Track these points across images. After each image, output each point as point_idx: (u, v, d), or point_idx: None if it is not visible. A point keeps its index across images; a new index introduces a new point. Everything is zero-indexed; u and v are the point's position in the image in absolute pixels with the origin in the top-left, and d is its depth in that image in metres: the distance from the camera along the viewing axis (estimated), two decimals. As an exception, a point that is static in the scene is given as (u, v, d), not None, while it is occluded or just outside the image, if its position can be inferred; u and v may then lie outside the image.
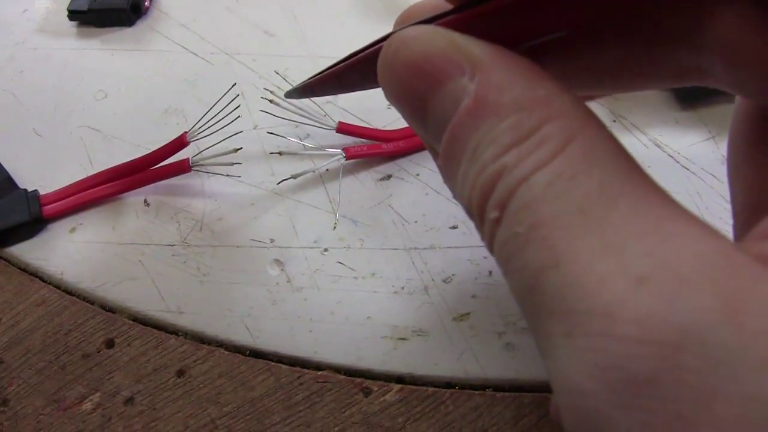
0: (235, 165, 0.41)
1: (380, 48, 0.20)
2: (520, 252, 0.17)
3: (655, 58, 0.21)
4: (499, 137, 0.17)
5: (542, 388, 0.36)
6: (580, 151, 0.17)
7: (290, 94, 0.29)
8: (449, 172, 0.19)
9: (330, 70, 0.24)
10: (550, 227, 0.16)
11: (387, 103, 0.45)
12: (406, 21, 0.22)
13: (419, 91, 0.19)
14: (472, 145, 0.18)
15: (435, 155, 0.21)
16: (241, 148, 0.40)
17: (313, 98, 0.43)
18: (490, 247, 0.18)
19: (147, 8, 0.54)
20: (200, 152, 0.42)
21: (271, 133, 0.43)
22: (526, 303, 0.17)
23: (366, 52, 0.22)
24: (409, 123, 0.21)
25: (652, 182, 0.17)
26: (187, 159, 0.42)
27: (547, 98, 0.17)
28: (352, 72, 0.23)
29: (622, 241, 0.15)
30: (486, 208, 0.18)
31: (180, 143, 0.42)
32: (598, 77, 0.22)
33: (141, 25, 0.54)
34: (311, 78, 0.26)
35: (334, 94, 0.27)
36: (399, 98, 0.20)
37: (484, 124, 0.18)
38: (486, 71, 0.18)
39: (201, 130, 0.41)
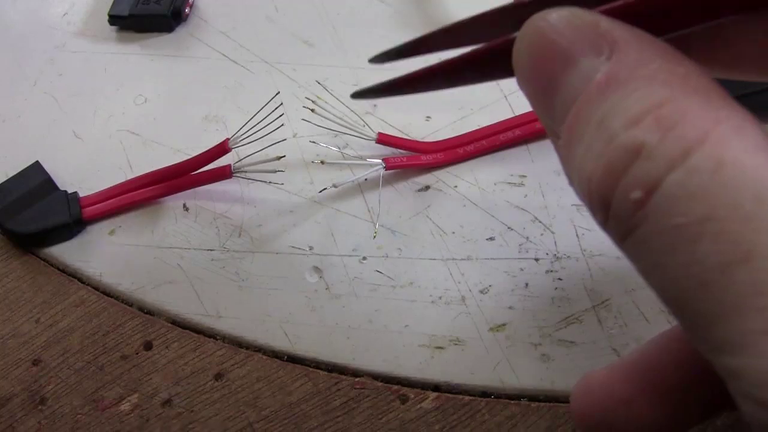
0: (277, 172, 0.41)
1: (510, 39, 0.20)
2: (689, 245, 0.16)
3: None
4: (630, 106, 0.16)
5: (578, 401, 0.36)
6: (733, 133, 0.16)
7: (364, 94, 0.29)
8: (570, 151, 0.18)
9: (440, 64, 0.24)
10: (729, 220, 0.15)
11: (425, 115, 0.46)
12: None
13: (553, 68, 0.19)
14: (599, 117, 0.17)
15: (556, 139, 0.20)
16: (285, 156, 0.41)
17: (353, 110, 0.43)
18: (625, 233, 0.17)
19: (187, 15, 0.54)
20: (241, 159, 0.42)
21: (313, 142, 0.43)
22: (697, 298, 0.16)
23: (495, 42, 0.21)
24: (535, 105, 0.20)
25: None
26: (229, 165, 0.42)
27: (685, 75, 0.17)
28: (474, 63, 0.23)
29: None
30: (619, 186, 0.17)
31: (222, 149, 0.42)
32: (748, 65, 0.21)
33: (181, 32, 0.54)
34: (404, 75, 0.26)
35: (424, 92, 0.26)
36: (531, 76, 0.20)
37: (614, 96, 0.17)
38: (626, 51, 0.17)
39: (243, 137, 0.41)
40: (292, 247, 0.42)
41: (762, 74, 0.22)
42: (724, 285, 0.15)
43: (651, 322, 0.37)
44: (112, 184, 0.45)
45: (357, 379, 0.38)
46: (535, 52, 0.19)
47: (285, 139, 0.42)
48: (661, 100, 0.16)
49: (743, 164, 0.15)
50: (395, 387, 0.37)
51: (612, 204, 0.17)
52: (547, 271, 0.40)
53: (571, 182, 0.19)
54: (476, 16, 0.24)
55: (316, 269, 0.41)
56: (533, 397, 0.37)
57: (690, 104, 0.16)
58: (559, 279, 0.39)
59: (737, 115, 0.16)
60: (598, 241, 0.40)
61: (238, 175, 0.42)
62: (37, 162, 0.46)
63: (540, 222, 0.41)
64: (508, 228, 0.41)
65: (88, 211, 0.44)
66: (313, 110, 0.42)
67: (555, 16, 0.19)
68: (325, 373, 0.38)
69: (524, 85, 0.20)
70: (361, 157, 0.44)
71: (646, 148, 0.16)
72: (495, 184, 0.43)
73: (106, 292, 0.42)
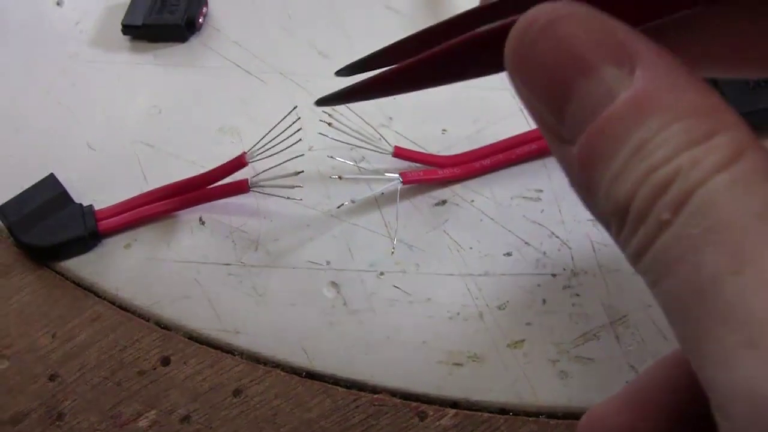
0: (295, 188, 0.41)
1: (499, 28, 0.19)
2: (693, 254, 0.16)
3: None
4: (673, 138, 0.17)
5: (597, 418, 0.36)
6: (754, 162, 0.16)
7: (326, 101, 0.27)
8: (593, 167, 0.18)
9: (407, 63, 0.22)
10: (732, 231, 0.15)
11: (441, 127, 0.46)
12: None
13: (566, 74, 0.18)
14: (636, 142, 0.17)
15: (559, 147, 0.19)
16: (303, 171, 0.41)
17: (368, 122, 0.43)
18: (642, 251, 0.17)
19: (201, 25, 0.54)
20: (258, 174, 0.42)
21: (330, 156, 0.43)
22: (692, 308, 0.16)
23: (476, 32, 0.20)
24: (536, 112, 0.19)
25: None
26: (247, 180, 0.42)
27: (719, 107, 0.17)
28: (449, 59, 0.21)
29: None
30: (654, 209, 0.17)
31: (239, 163, 0.42)
32: (722, 57, 0.21)
33: (194, 42, 0.54)
34: (364, 80, 0.24)
35: (387, 96, 0.24)
36: (537, 80, 0.19)
37: (652, 121, 0.17)
38: (651, 68, 0.17)
39: (260, 151, 0.41)
40: (310, 261, 0.42)
41: (731, 70, 0.22)
42: (716, 295, 0.15)
43: (669, 338, 0.37)
44: (126, 197, 0.45)
45: (376, 396, 0.38)
46: (544, 51, 0.18)
47: (303, 154, 0.42)
48: (701, 136, 0.16)
49: (754, 185, 0.16)
50: (414, 404, 0.37)
51: (645, 222, 0.17)
52: (564, 287, 0.40)
53: (590, 193, 0.18)
54: (450, 19, 0.22)
55: (334, 284, 0.41)
56: (551, 414, 0.37)
57: (722, 138, 0.16)
58: (577, 295, 0.39)
59: (758, 148, 0.16)
60: (614, 256, 0.40)
61: (255, 189, 0.42)
62: (51, 174, 0.46)
63: (557, 237, 0.41)
64: (525, 243, 0.41)
65: (104, 224, 0.44)
66: (330, 124, 0.42)
67: (566, 13, 0.18)
68: (344, 389, 0.38)
69: (525, 85, 0.19)
70: (377, 171, 0.43)
71: (681, 171, 0.16)
72: (511, 198, 0.43)
73: (123, 307, 0.42)
